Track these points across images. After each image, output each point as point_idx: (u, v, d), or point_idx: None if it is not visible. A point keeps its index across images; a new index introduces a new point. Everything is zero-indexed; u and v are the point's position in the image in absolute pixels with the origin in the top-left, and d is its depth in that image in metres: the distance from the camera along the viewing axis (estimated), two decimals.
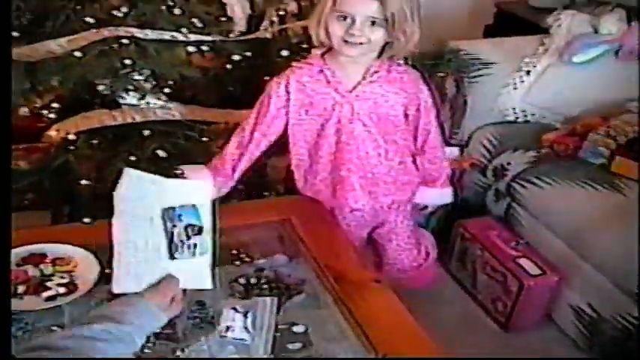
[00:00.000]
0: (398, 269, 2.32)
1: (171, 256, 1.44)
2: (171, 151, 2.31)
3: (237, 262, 1.80)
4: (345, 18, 1.84)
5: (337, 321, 1.60)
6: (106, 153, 2.29)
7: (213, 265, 1.47)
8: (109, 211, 2.19)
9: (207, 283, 1.46)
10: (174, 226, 1.43)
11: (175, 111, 2.35)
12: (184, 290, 1.46)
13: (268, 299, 1.65)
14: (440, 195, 2.25)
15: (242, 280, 1.72)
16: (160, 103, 2.31)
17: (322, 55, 1.97)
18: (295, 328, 1.57)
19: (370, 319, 1.58)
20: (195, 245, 1.45)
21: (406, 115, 2.04)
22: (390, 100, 1.98)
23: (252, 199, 2.39)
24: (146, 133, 2.30)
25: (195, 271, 1.45)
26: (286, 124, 2.04)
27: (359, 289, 1.67)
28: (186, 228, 1.44)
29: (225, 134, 2.42)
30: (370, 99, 1.96)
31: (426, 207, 2.32)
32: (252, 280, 1.72)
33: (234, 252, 1.85)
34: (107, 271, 1.56)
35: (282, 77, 2.01)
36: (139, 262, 1.42)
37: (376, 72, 1.95)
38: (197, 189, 1.50)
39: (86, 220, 2.08)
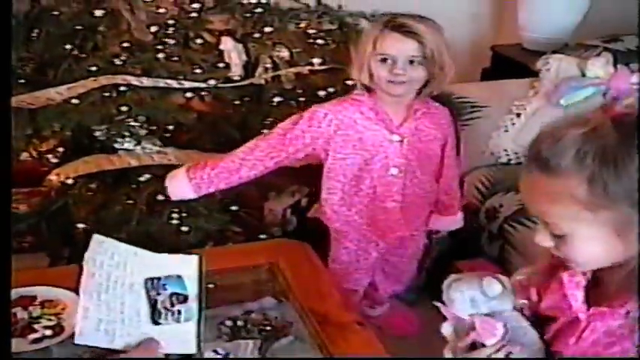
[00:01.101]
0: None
1: (154, 322, 1.40)
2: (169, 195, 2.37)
3: (225, 305, 1.83)
4: (386, 60, 1.95)
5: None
6: (104, 197, 2.36)
7: (199, 331, 1.42)
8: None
9: (192, 348, 1.40)
10: (159, 294, 1.42)
11: (172, 155, 2.40)
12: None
13: (251, 342, 1.64)
14: (453, 221, 2.38)
15: (229, 323, 1.73)
16: (156, 148, 2.36)
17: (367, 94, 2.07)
18: None
19: None
20: (179, 312, 1.42)
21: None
22: (430, 136, 2.11)
23: (248, 242, 2.43)
24: (143, 177, 2.37)
25: (180, 336, 1.41)
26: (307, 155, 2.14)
27: (341, 331, 1.68)
28: (171, 296, 1.43)
29: None
30: (415, 135, 2.08)
31: (438, 232, 2.44)
32: (239, 323, 1.74)
33: (221, 295, 1.87)
34: None
35: (330, 110, 2.09)
36: (113, 321, 1.39)
37: (418, 109, 2.07)
38: (184, 262, 1.49)
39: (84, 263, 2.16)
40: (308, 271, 1.95)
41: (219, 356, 1.59)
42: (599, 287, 1.25)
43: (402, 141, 2.09)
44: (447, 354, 1.37)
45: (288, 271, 1.93)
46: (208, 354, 1.59)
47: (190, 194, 2.13)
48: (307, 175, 2.60)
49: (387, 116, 2.06)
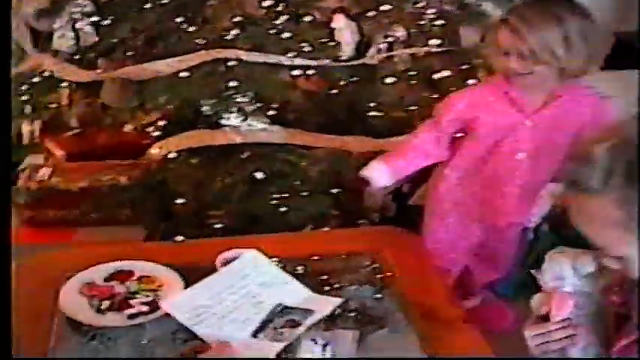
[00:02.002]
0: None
1: (253, 335, 1.41)
2: (269, 174, 2.32)
3: (323, 292, 1.74)
4: (508, 52, 1.89)
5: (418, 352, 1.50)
6: (204, 173, 2.31)
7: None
8: (202, 234, 2.26)
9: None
10: (279, 317, 1.45)
11: (276, 134, 2.34)
12: None
13: (350, 333, 1.53)
14: None
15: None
16: (262, 125, 2.30)
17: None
18: None
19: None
20: (281, 333, 1.43)
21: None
22: (566, 124, 2.00)
23: (346, 227, 2.36)
24: (245, 154, 2.32)
25: (262, 349, 1.41)
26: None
27: (446, 327, 1.57)
28: (286, 322, 1.45)
29: (324, 160, 2.41)
30: (550, 122, 1.99)
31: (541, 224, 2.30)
32: (337, 311, 1.61)
33: (323, 279, 1.78)
34: None
35: (465, 95, 2.08)
36: (212, 312, 1.42)
37: (559, 96, 1.96)
38: (326, 303, 1.49)
39: (179, 238, 2.11)
40: (414, 262, 1.83)
41: (317, 345, 1.49)
42: None
43: (535, 127, 1.99)
44: (528, 331, 1.32)
45: (393, 261, 1.81)
46: (306, 342, 1.50)
47: (389, 182, 2.08)
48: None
49: (522, 101, 1.98)
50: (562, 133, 2.01)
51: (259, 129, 2.31)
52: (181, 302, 1.44)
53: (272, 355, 1.39)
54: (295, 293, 1.52)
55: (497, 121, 2.01)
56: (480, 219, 2.18)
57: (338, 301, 1.51)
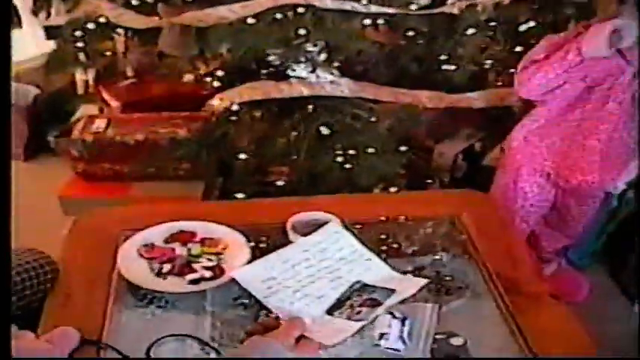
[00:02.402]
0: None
1: (328, 312, 1.27)
2: (336, 129, 2.20)
3: (396, 259, 1.61)
4: None
5: (501, 335, 1.38)
6: (267, 126, 2.20)
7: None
8: (263, 191, 2.14)
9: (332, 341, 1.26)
10: (358, 296, 1.30)
11: (345, 87, 2.20)
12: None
13: (429, 306, 1.42)
14: None
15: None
16: (331, 77, 2.16)
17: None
18: (453, 340, 1.37)
19: (541, 338, 1.35)
20: (358, 312, 1.28)
21: None
22: None
23: (414, 188, 2.25)
24: (312, 108, 2.19)
25: (338, 329, 1.27)
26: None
27: (533, 302, 1.44)
28: (365, 300, 1.30)
29: (394, 116, 2.28)
30: None
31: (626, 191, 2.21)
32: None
33: (395, 245, 1.65)
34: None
35: (572, 42, 1.89)
36: (284, 285, 1.28)
37: None
38: (410, 284, 1.35)
39: (239, 195, 2.04)
40: (496, 229, 1.68)
41: (396, 319, 1.36)
42: None
43: (635, 76, 1.86)
44: None
45: (473, 227, 1.66)
46: (384, 316, 1.38)
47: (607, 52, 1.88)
48: (486, 118, 2.43)
49: (630, 45, 1.83)
50: None
51: (327, 81, 2.15)
52: (252, 272, 1.30)
53: (349, 335, 1.26)
54: (377, 271, 1.37)
55: (597, 64, 1.86)
56: (554, 175, 2.08)
57: (423, 281, 1.36)
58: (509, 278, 1.49)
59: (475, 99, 2.32)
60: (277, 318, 1.23)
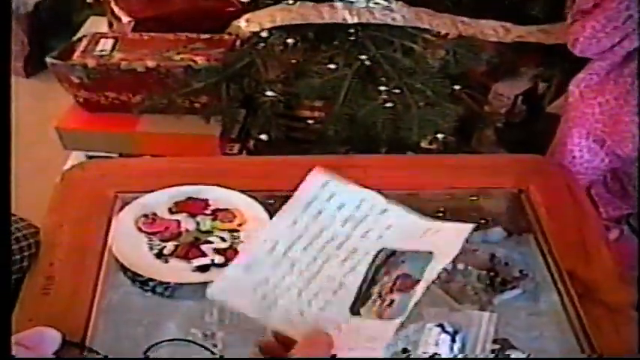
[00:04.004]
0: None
1: (353, 311, 0.89)
2: (382, 63, 1.91)
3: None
4: None
5: (567, 343, 1.21)
6: (301, 57, 1.92)
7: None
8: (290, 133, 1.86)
9: (377, 352, 0.89)
10: (386, 273, 0.92)
11: (398, 14, 1.90)
12: None
13: (486, 315, 1.23)
14: None
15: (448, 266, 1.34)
16: (384, 2, 1.87)
17: None
18: (513, 354, 1.19)
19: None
20: (392, 302, 0.93)
21: None
22: None
23: (465, 134, 2.08)
24: (355, 37, 1.90)
25: (371, 334, 0.91)
26: None
27: (611, 313, 1.21)
28: (397, 279, 0.90)
29: (451, 49, 2.00)
30: None
31: None
32: (459, 266, 1.35)
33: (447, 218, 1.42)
34: None
35: None
36: (284, 289, 0.87)
37: None
38: (451, 234, 0.92)
39: (262, 136, 1.83)
40: (570, 210, 1.42)
41: (446, 334, 1.21)
42: None
43: None
44: None
45: (541, 205, 1.42)
46: (431, 328, 1.20)
47: None
48: (558, 58, 2.16)
49: None
50: None
51: (380, 7, 1.86)
52: (235, 279, 0.91)
53: (387, 341, 0.92)
54: (399, 225, 0.94)
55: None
56: (603, 142, 1.94)
57: (466, 228, 0.97)
58: (583, 280, 1.27)
59: (548, 33, 2.05)
60: None
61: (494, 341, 1.20)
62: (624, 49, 1.78)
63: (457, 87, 2.01)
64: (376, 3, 1.84)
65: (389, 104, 1.83)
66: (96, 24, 2.37)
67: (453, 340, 1.20)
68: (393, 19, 1.86)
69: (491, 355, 1.19)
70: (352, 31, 1.94)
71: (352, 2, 1.84)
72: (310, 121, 1.93)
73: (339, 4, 1.85)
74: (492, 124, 2.18)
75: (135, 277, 1.17)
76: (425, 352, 1.16)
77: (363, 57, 1.88)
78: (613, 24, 1.71)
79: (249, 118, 1.94)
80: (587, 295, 1.24)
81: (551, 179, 1.51)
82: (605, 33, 1.74)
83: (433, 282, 1.07)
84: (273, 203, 1.27)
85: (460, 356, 1.18)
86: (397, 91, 1.87)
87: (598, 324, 1.20)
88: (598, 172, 2.03)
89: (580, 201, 1.48)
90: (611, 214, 2.17)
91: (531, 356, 1.17)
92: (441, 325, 1.19)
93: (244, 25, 1.93)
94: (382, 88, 1.87)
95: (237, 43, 1.93)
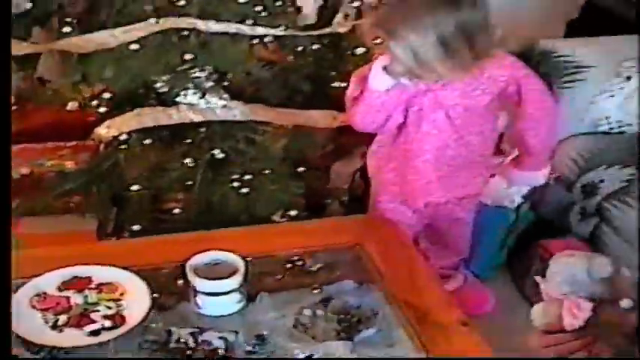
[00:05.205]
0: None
1: None
2: (230, 154, 2.17)
3: (301, 290, 1.63)
4: None
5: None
6: (159, 155, 2.14)
7: None
8: (160, 222, 2.08)
9: None
10: None
11: (236, 110, 2.16)
12: None
13: (341, 345, 1.45)
14: (528, 178, 2.16)
15: (307, 312, 1.55)
16: (221, 102, 2.13)
17: None
18: None
19: None
20: None
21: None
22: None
23: (313, 210, 2.25)
24: (204, 134, 2.15)
25: None
26: None
27: (444, 331, 1.49)
28: None
29: (288, 137, 2.27)
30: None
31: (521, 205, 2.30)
32: (319, 312, 1.55)
33: (298, 278, 1.67)
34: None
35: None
36: None
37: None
38: None
39: (135, 227, 2.01)
40: (400, 255, 1.76)
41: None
42: None
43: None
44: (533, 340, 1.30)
45: (376, 255, 1.71)
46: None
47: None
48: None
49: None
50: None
51: (218, 105, 2.12)
52: None
53: None
54: None
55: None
56: (404, 197, 2.07)
57: None
58: (417, 307, 1.54)
59: None
60: None
61: None
62: (394, 124, 1.95)
63: (300, 169, 2.26)
64: (216, 103, 2.10)
65: (238, 185, 2.08)
66: None
67: None
68: (234, 115, 2.12)
69: None
70: (202, 129, 2.15)
71: (195, 104, 2.09)
72: (175, 211, 2.11)
73: (184, 107, 2.09)
74: (337, 199, 2.41)
75: (34, 347, 1.33)
76: None
77: (213, 150, 2.11)
78: (375, 108, 1.88)
79: (121, 213, 2.13)
80: (422, 318, 1.50)
81: (383, 234, 1.79)
82: (372, 114, 1.89)
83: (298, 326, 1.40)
84: (150, 273, 1.50)
85: None
86: (248, 177, 2.12)
87: (434, 340, 1.46)
88: (414, 229, 2.14)
89: (408, 248, 1.78)
90: (443, 263, 2.28)
91: None
92: (308, 357, 1.39)
93: (105, 131, 2.12)
94: (234, 176, 2.11)
95: (101, 147, 2.13)
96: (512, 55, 1.97)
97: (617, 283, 1.22)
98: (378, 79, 1.82)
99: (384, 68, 1.80)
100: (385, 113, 1.90)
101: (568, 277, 1.25)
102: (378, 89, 1.83)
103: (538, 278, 1.27)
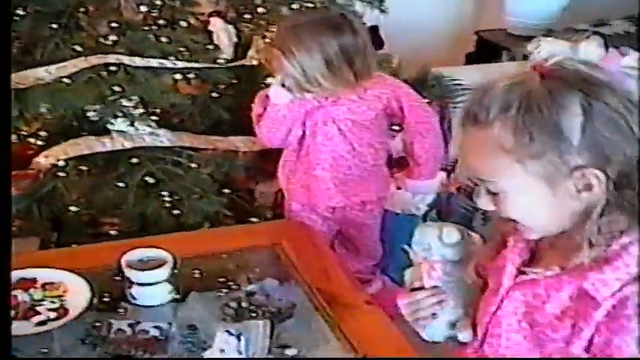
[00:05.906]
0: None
1: None
2: (160, 177, 2.35)
3: (228, 287, 1.77)
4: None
5: (330, 343, 1.58)
6: (94, 179, 2.31)
7: None
8: (96, 240, 2.21)
9: None
10: None
11: (164, 137, 2.36)
12: None
13: (261, 322, 1.60)
14: (422, 186, 2.36)
15: (233, 304, 1.70)
16: (149, 129, 2.32)
17: None
18: (288, 351, 1.55)
19: (363, 340, 1.56)
20: None
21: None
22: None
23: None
24: (135, 159, 2.33)
25: None
26: None
27: (351, 311, 1.66)
28: None
29: (213, 161, 2.46)
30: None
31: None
32: (244, 304, 1.70)
33: (224, 277, 1.83)
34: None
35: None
36: None
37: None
38: None
39: (74, 246, 2.11)
40: (313, 252, 1.91)
41: (232, 336, 1.53)
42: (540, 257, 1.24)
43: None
44: (401, 300, 1.41)
45: (292, 253, 1.88)
46: (221, 334, 1.54)
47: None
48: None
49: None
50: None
51: (147, 133, 2.32)
52: None
53: None
54: None
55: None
56: (313, 209, 2.28)
57: None
58: (328, 292, 1.70)
59: None
60: None
61: (278, 347, 1.51)
62: (295, 138, 2.19)
63: (226, 191, 2.45)
64: (144, 130, 2.30)
65: (169, 205, 2.27)
66: None
67: (239, 340, 1.49)
68: (161, 141, 2.33)
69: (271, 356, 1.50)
70: (133, 154, 2.32)
71: (125, 132, 2.28)
72: (110, 227, 2.29)
73: (115, 135, 2.29)
74: (264, 217, 2.53)
75: None
76: (218, 349, 1.47)
77: (144, 173, 2.29)
78: (278, 121, 2.12)
79: (61, 233, 2.28)
80: (332, 301, 1.66)
81: (296, 234, 1.96)
82: (275, 127, 2.14)
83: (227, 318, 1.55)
84: (89, 274, 1.65)
85: (244, 352, 1.47)
86: (177, 197, 2.30)
87: (344, 319, 1.60)
88: (328, 236, 2.31)
89: (320, 246, 1.95)
90: (359, 267, 2.41)
91: (302, 352, 1.50)
92: (228, 331, 1.51)
93: (43, 160, 2.29)
94: (164, 194, 2.29)
95: (41, 175, 2.29)
96: (392, 76, 2.26)
97: (466, 247, 1.42)
98: (277, 93, 2.09)
99: (283, 85, 2.06)
100: (287, 126, 2.14)
101: (423, 244, 1.41)
102: (278, 103, 2.09)
103: (405, 247, 1.47)
